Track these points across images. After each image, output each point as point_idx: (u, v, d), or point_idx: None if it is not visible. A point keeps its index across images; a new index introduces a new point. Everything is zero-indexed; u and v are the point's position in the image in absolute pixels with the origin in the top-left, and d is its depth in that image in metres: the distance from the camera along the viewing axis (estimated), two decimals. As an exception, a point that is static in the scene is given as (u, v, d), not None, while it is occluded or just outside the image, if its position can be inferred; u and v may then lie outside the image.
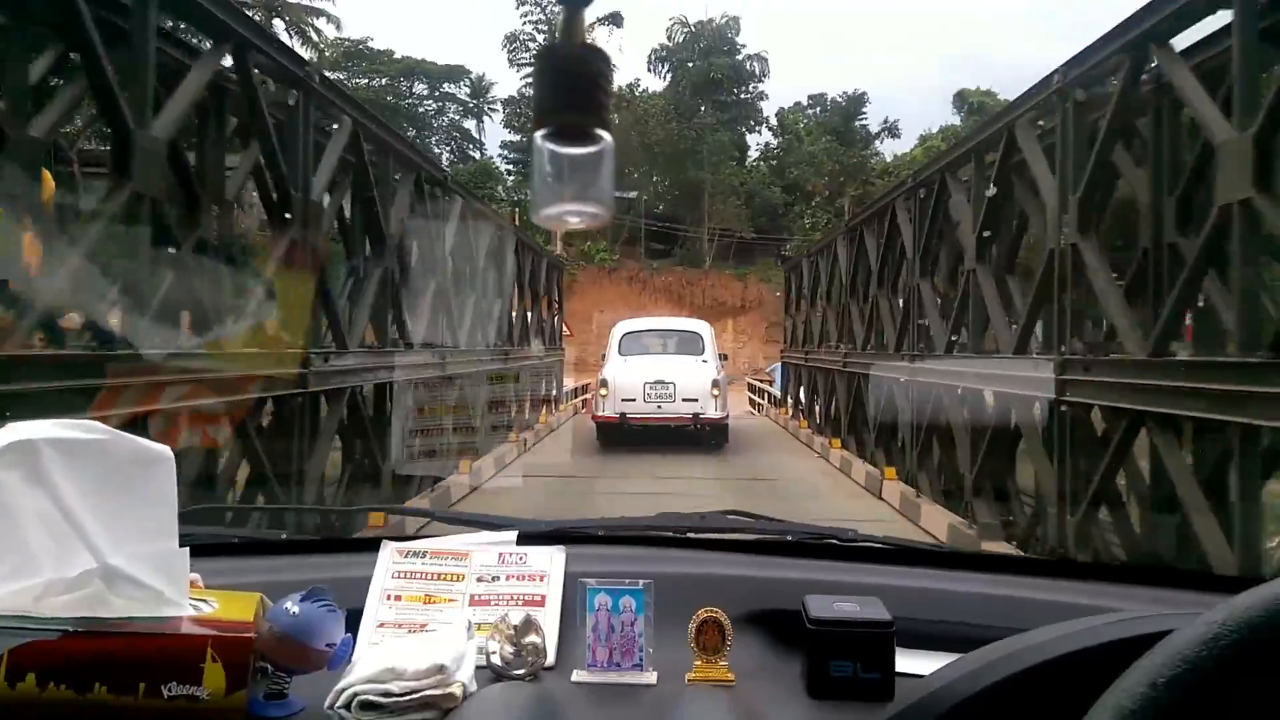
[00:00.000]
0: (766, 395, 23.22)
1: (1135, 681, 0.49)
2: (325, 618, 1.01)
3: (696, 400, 13.20)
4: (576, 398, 21.87)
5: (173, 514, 1.02)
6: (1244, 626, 0.48)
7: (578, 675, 1.09)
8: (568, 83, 0.49)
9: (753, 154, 46.24)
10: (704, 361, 14.04)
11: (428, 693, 0.96)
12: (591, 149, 0.50)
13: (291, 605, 1.00)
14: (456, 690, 0.98)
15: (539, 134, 0.50)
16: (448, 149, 46.37)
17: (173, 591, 1.00)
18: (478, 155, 47.04)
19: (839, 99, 46.90)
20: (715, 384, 13.37)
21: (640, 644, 1.09)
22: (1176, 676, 0.48)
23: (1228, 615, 0.48)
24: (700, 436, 13.26)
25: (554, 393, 18.46)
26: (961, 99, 42.79)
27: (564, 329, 21.96)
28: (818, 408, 15.34)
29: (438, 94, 47.10)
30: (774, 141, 46.29)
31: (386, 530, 3.98)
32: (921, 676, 0.78)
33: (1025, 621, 0.83)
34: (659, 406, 13.11)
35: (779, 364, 21.73)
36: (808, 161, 42.05)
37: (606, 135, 0.50)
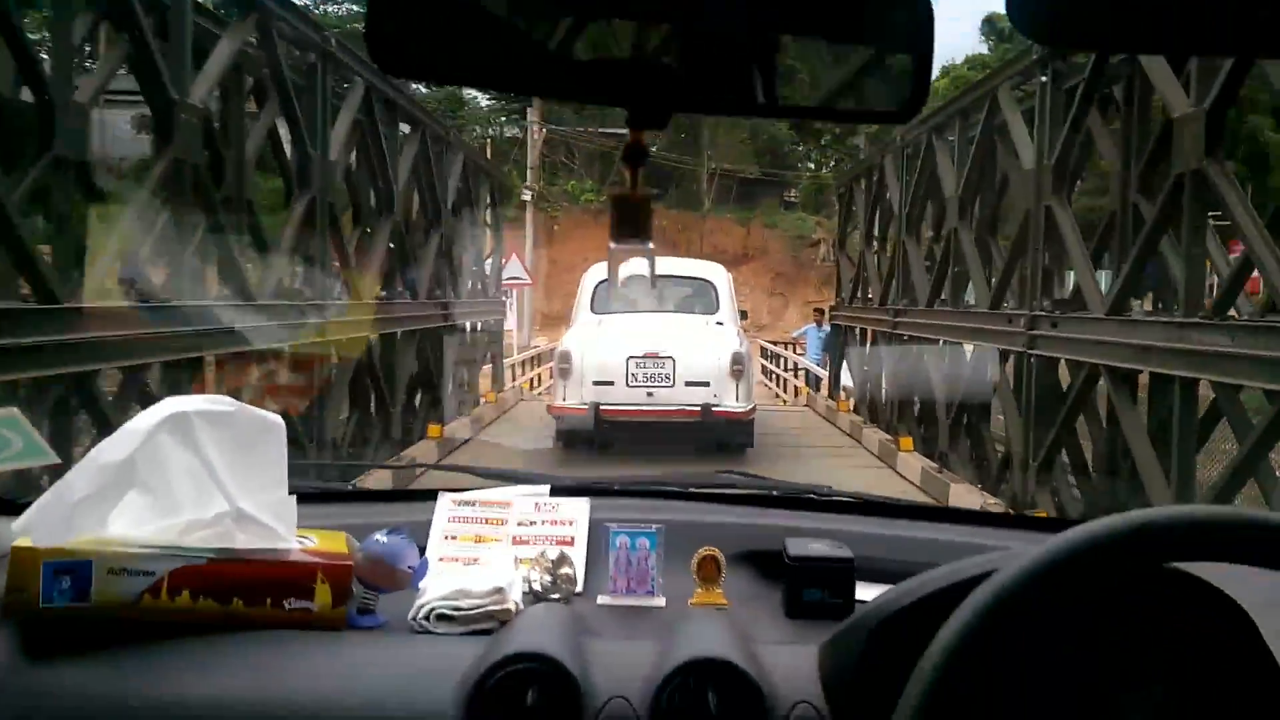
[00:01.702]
0: (795, 370, 17.65)
1: (962, 610, 0.76)
2: (407, 547, 1.28)
3: (708, 384, 8.74)
4: (529, 373, 16.83)
5: (284, 470, 1.28)
6: (1041, 566, 0.74)
7: (602, 599, 1.36)
8: (632, 219, 0.74)
9: (757, 83, 44.94)
10: (718, 325, 9.55)
11: (490, 608, 1.23)
12: (643, 247, 0.76)
13: (380, 536, 1.27)
14: (511, 607, 1.25)
15: (612, 244, 0.74)
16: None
17: (285, 530, 1.26)
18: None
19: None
20: (736, 360, 8.92)
21: (653, 575, 1.36)
22: (988, 607, 0.75)
23: (1032, 557, 0.75)
24: (711, 439, 8.73)
25: (479, 373, 13.28)
26: (991, 24, 38.66)
27: (522, 275, 17.16)
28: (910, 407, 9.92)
29: None
30: (781, 69, 45.00)
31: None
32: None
33: (949, 559, 1.10)
34: (649, 394, 8.67)
35: (811, 326, 17.08)
36: (818, 92, 40.86)
37: (649, 241, 0.75)
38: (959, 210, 8.50)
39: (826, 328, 15.77)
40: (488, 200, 14.43)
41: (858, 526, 1.56)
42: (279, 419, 1.28)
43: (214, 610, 1.18)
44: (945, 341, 8.77)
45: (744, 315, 10.83)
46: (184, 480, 1.21)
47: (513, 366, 16.35)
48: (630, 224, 0.75)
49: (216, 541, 1.22)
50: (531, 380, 17.13)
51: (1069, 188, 6.80)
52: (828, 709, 1.06)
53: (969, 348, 8.34)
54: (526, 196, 28.66)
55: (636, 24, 0.68)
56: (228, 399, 1.25)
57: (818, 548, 1.34)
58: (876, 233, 12.39)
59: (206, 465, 1.21)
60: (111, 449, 1.18)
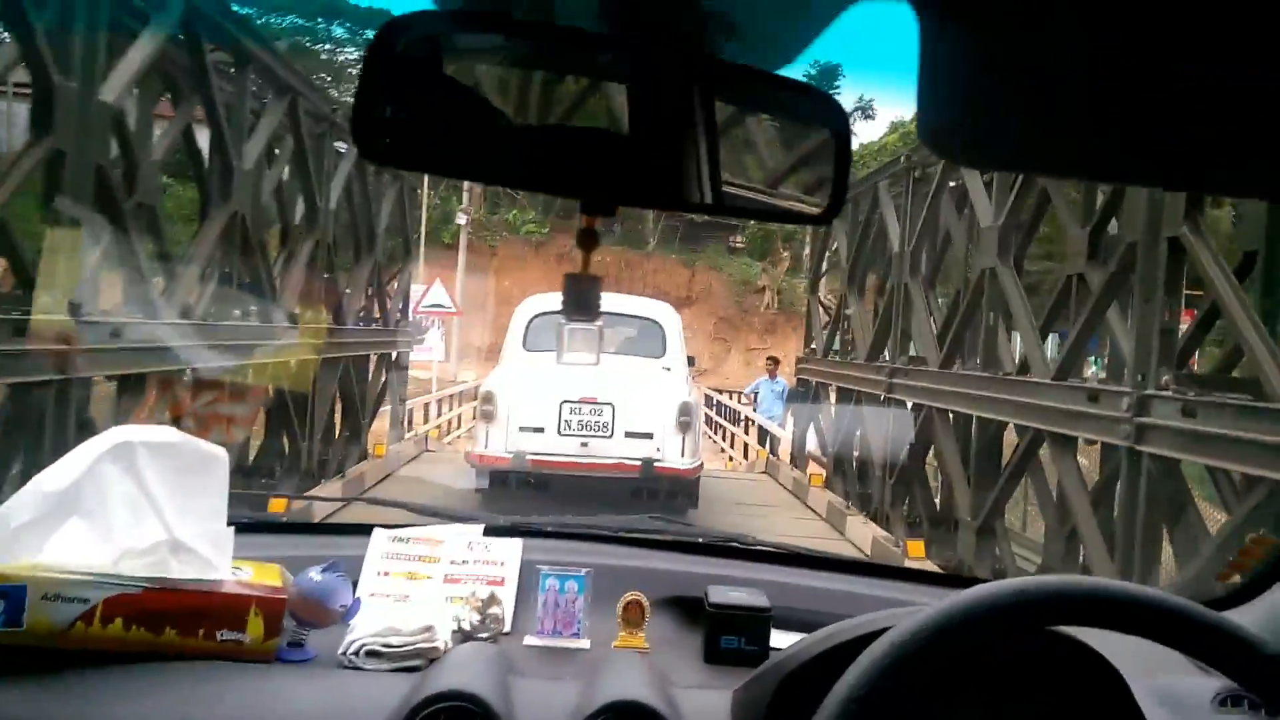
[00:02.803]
0: (745, 425, 15.17)
1: (859, 663, 0.83)
2: (340, 585, 1.31)
3: (650, 436, 7.82)
4: (446, 414, 14.86)
5: (224, 499, 1.31)
6: (931, 624, 0.82)
7: (529, 639, 1.41)
8: (584, 298, 0.81)
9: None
10: (665, 370, 8.59)
11: (419, 645, 1.27)
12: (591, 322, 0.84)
13: (314, 574, 1.30)
14: (440, 645, 1.29)
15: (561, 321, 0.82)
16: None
17: (220, 561, 1.29)
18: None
19: (810, 72, 45.45)
20: (684, 411, 7.99)
21: (579, 617, 1.41)
22: (882, 662, 0.82)
23: (924, 616, 0.83)
24: (652, 496, 7.68)
25: (368, 418, 10.78)
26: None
27: (445, 303, 15.15)
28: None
29: (360, 39, 42.54)
30: (732, 117, 45.63)
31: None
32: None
33: (861, 611, 1.17)
34: (584, 444, 7.76)
35: (764, 379, 14.49)
36: (768, 142, 41.57)
37: (598, 321, 0.83)
38: (998, 247, 6.77)
39: (781, 381, 13.95)
40: (393, 209, 11.75)
41: (778, 576, 1.63)
42: (222, 451, 1.32)
43: (146, 639, 1.20)
44: (979, 417, 6.93)
45: (692, 362, 9.72)
46: (123, 509, 1.24)
47: (425, 406, 14.44)
48: (582, 302, 0.82)
49: (151, 570, 1.24)
50: (445, 425, 14.79)
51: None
52: None
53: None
54: (461, 220, 27.49)
55: (590, 125, 0.76)
56: (174, 429, 1.28)
57: (737, 596, 1.40)
58: (858, 274, 10.84)
59: (147, 494, 1.23)
60: (55, 476, 1.21)
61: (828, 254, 13.18)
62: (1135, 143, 0.59)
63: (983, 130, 0.61)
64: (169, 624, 1.22)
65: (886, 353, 9.39)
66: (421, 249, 25.87)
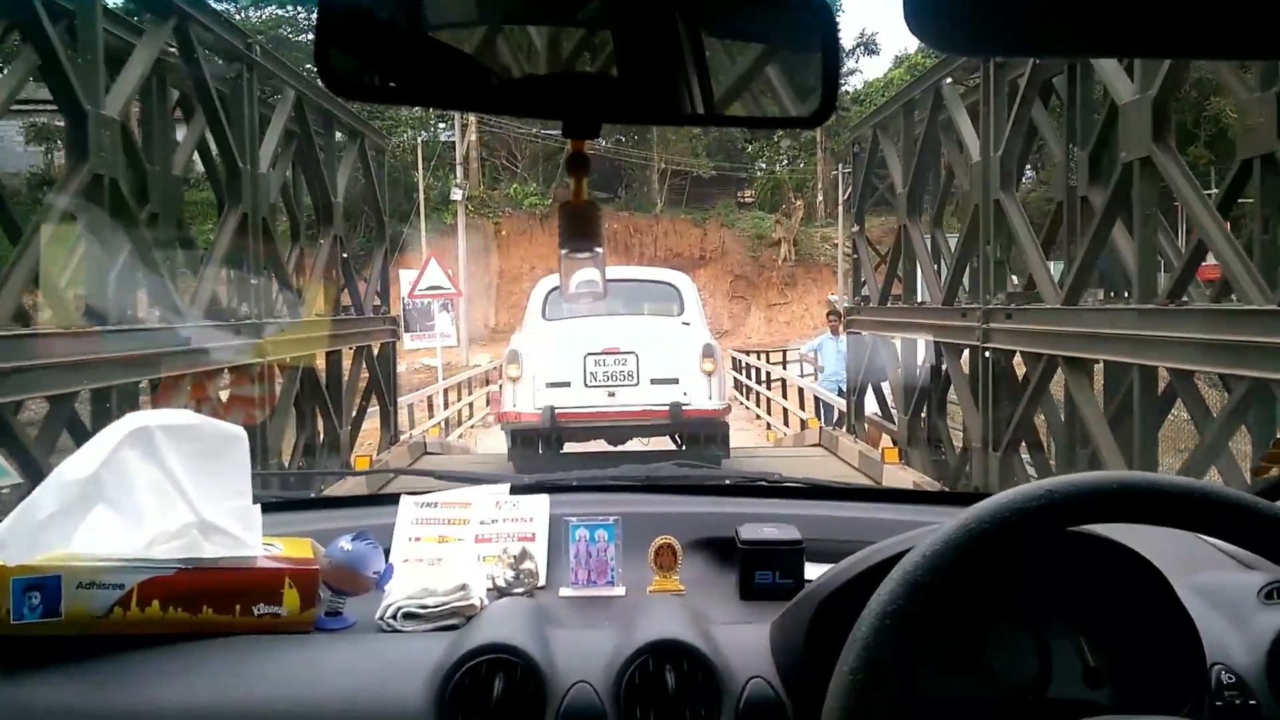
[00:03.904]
0: (785, 390, 13.74)
1: (886, 584, 0.82)
2: (371, 552, 1.31)
3: (676, 381, 7.87)
4: (454, 405, 13.50)
5: (248, 478, 1.31)
6: (954, 537, 0.81)
7: (564, 591, 1.41)
8: (581, 226, 0.80)
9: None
10: (685, 324, 8.64)
11: (455, 604, 1.28)
12: (592, 254, 0.82)
13: (345, 543, 1.31)
14: (476, 602, 1.29)
15: (562, 251, 0.80)
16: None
17: (251, 538, 1.30)
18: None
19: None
20: (707, 351, 8.09)
21: (612, 566, 1.41)
22: (908, 579, 0.81)
23: (946, 530, 0.81)
24: (683, 442, 8.08)
25: (354, 422, 9.24)
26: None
27: (443, 283, 13.46)
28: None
29: None
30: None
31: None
32: None
33: (891, 535, 1.16)
34: (611, 394, 7.84)
35: (827, 335, 12.58)
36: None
37: (599, 247, 0.81)
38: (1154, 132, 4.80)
39: (843, 338, 11.73)
40: (354, 175, 9.78)
41: (807, 510, 1.62)
42: (241, 430, 1.32)
43: (184, 619, 1.21)
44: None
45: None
46: (148, 493, 1.24)
47: (429, 401, 13.26)
48: (579, 231, 0.80)
49: (183, 552, 1.25)
50: (456, 416, 13.65)
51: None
52: (780, 682, 1.11)
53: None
54: (457, 196, 26.24)
55: (567, 42, 0.74)
56: (192, 412, 1.28)
57: (768, 532, 1.39)
58: (917, 200, 9.01)
59: (170, 478, 1.24)
60: (76, 466, 1.21)
61: (872, 183, 10.88)
62: (1127, 8, 0.58)
63: (971, 11, 0.59)
64: (205, 603, 1.22)
65: (962, 293, 7.59)
66: (423, 233, 25.05)
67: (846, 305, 11.94)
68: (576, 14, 0.74)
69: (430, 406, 13.20)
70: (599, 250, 0.82)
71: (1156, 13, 0.58)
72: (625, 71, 0.71)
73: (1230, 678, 1.07)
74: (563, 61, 0.74)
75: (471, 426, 13.96)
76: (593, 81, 0.73)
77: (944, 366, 8.07)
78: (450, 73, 0.72)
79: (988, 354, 6.69)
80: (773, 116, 0.79)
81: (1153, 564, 1.02)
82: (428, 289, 13.58)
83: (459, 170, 28.69)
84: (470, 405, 14.70)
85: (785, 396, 13.75)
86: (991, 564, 0.82)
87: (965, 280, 7.59)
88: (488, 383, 15.41)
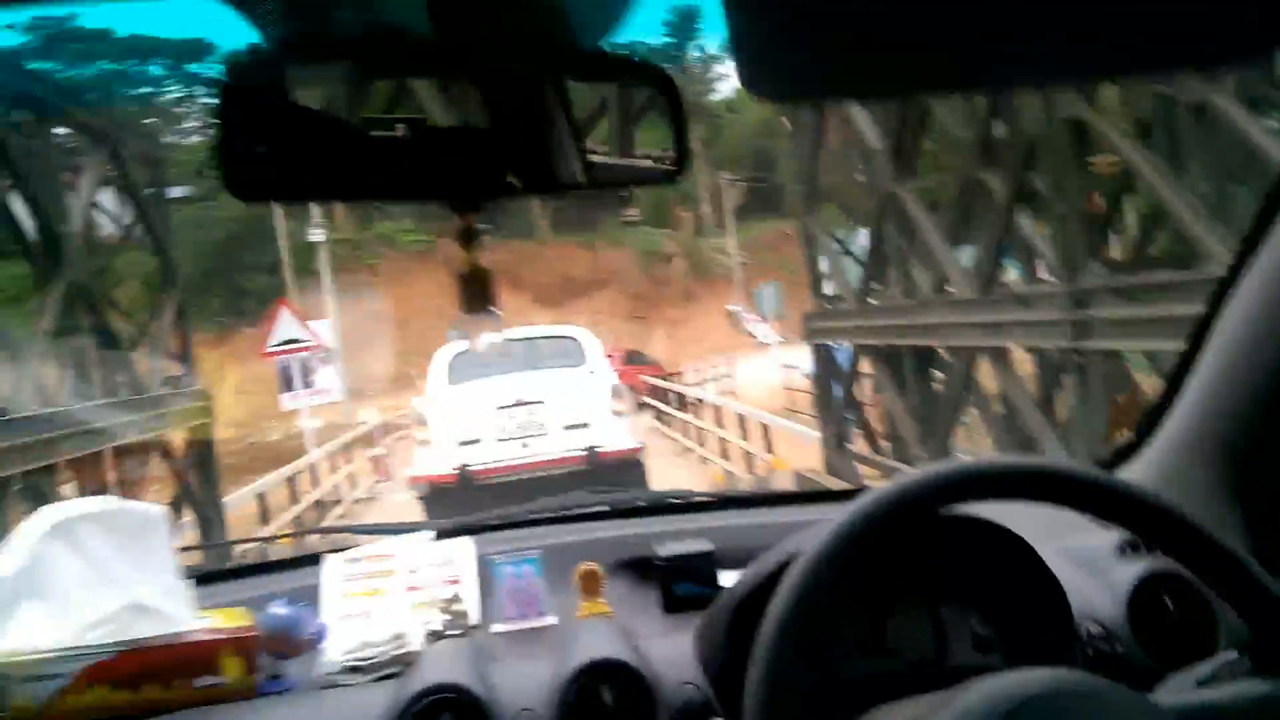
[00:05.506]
0: (719, 420, 11.34)
1: (782, 585, 0.92)
2: (305, 613, 1.36)
3: (587, 425, 7.99)
4: (329, 479, 11.92)
5: (172, 556, 1.34)
6: (839, 534, 0.91)
7: (497, 627, 1.48)
8: (479, 291, 0.88)
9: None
10: (590, 373, 8.75)
11: (393, 652, 1.33)
12: (492, 316, 0.90)
13: (277, 609, 1.35)
14: (413, 648, 1.35)
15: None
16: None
17: (184, 613, 1.33)
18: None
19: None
20: (615, 392, 8.39)
21: (540, 597, 1.48)
22: (800, 580, 0.90)
23: (827, 529, 0.92)
24: (602, 482, 7.16)
25: None
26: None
27: (300, 335, 12.13)
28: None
29: (180, 74, 36.32)
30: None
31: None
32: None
33: (791, 535, 1.26)
34: (525, 445, 7.91)
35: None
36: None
37: (498, 310, 0.90)
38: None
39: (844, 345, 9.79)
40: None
41: (719, 521, 1.72)
42: (161, 509, 1.35)
43: (129, 700, 1.24)
44: None
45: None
46: (77, 583, 1.26)
47: (290, 483, 11.38)
48: (478, 296, 0.88)
49: (119, 635, 1.27)
50: (332, 489, 12.03)
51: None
52: (709, 687, 1.20)
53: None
54: (318, 237, 23.29)
55: (450, 132, 0.82)
56: (112, 497, 1.31)
57: (683, 546, 1.49)
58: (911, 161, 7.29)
59: (97, 565, 1.26)
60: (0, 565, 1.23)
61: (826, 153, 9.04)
62: (954, 48, 0.62)
63: (800, 63, 0.62)
64: (147, 680, 1.25)
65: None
66: (288, 282, 23.36)
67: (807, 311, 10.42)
68: (453, 103, 0.82)
69: (291, 490, 11.31)
70: (498, 313, 0.90)
71: (974, 53, 0.63)
72: (500, 150, 0.80)
73: (1098, 629, 1.21)
74: (444, 146, 0.82)
75: (356, 501, 12.40)
76: (472, 161, 0.81)
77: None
78: (343, 169, 0.79)
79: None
80: (638, 177, 0.89)
81: (1020, 536, 1.15)
82: (283, 344, 12.11)
83: (317, 210, 27.43)
84: (350, 476, 13.00)
85: (721, 425, 11.56)
86: (869, 553, 0.93)
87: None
88: (370, 445, 14.10)
